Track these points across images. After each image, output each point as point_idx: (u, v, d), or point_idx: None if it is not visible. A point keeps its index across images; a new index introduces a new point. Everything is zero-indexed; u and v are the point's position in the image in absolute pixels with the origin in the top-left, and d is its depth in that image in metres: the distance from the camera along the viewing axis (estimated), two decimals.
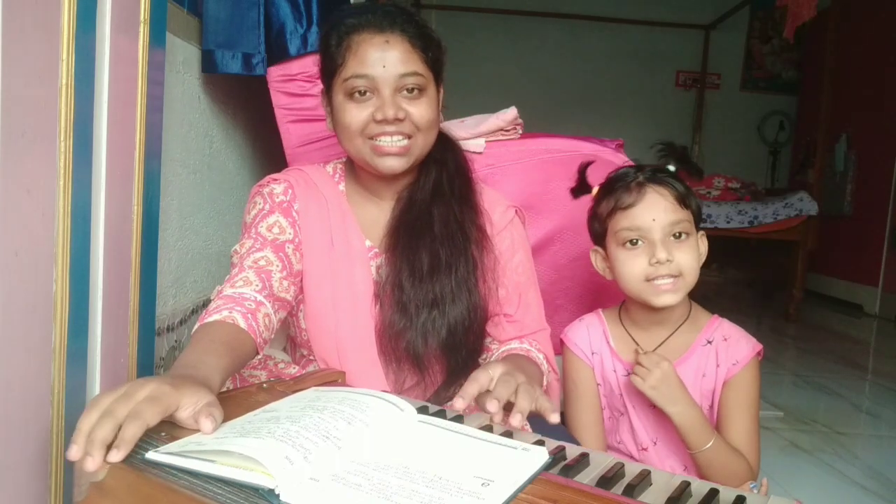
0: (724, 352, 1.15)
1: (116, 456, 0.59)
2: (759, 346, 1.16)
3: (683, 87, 5.99)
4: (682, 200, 1.11)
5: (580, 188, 1.25)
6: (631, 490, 0.64)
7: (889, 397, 2.55)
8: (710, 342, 1.16)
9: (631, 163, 1.66)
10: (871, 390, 2.67)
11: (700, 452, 1.09)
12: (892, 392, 2.62)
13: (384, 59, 1.00)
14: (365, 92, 1.01)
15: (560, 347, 1.28)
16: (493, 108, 1.63)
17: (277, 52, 1.49)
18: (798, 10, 3.51)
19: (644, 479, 0.66)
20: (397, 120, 1.00)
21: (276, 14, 1.48)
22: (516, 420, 0.75)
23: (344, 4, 1.65)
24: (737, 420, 1.13)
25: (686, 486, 0.66)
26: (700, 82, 5.93)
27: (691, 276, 1.11)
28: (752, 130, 5.97)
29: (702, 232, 1.16)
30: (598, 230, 1.18)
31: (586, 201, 1.28)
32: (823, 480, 1.74)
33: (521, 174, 1.58)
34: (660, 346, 1.17)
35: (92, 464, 0.59)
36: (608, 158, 1.63)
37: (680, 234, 1.10)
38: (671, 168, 1.15)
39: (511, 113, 1.62)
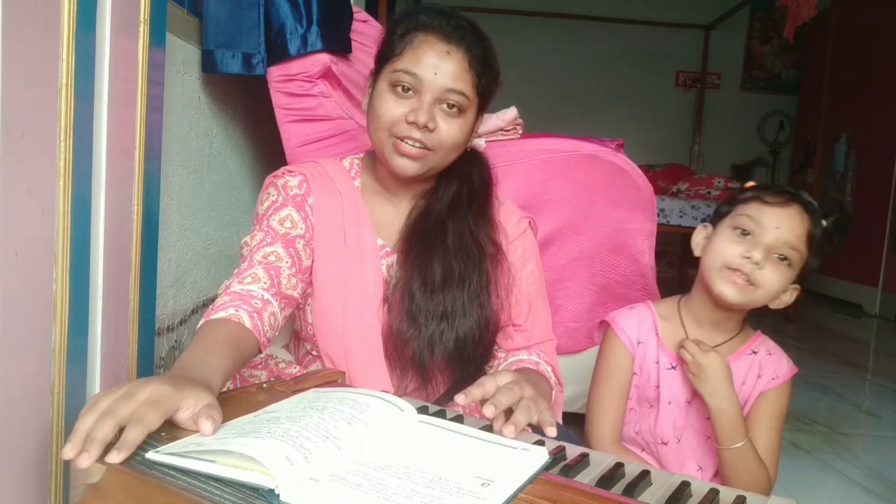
0: (767, 365, 1.18)
1: (117, 457, 0.59)
2: (797, 370, 1.19)
3: (683, 87, 6.00)
4: (810, 239, 1.10)
5: (741, 174, 1.25)
6: (631, 490, 0.64)
7: (889, 397, 2.55)
8: (755, 352, 1.19)
9: (630, 161, 1.66)
10: (871, 390, 2.68)
11: (728, 450, 1.10)
12: (892, 392, 2.62)
13: (438, 66, 1.00)
14: (408, 90, 1.01)
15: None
16: (493, 108, 1.63)
17: (277, 52, 1.49)
18: (798, 11, 3.51)
19: (644, 479, 0.66)
20: (426, 128, 1.00)
21: (276, 14, 1.48)
22: (509, 431, 0.74)
23: (346, 4, 1.65)
24: (762, 432, 1.16)
25: (686, 486, 0.66)
26: (700, 82, 5.93)
27: (763, 295, 1.10)
28: (752, 130, 5.97)
29: (796, 286, 1.14)
30: (724, 211, 1.18)
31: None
32: (823, 480, 1.75)
33: (521, 174, 1.59)
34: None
35: (86, 460, 0.58)
36: (608, 158, 1.63)
37: (785, 258, 1.09)
38: (824, 221, 1.13)
39: (511, 113, 1.62)
